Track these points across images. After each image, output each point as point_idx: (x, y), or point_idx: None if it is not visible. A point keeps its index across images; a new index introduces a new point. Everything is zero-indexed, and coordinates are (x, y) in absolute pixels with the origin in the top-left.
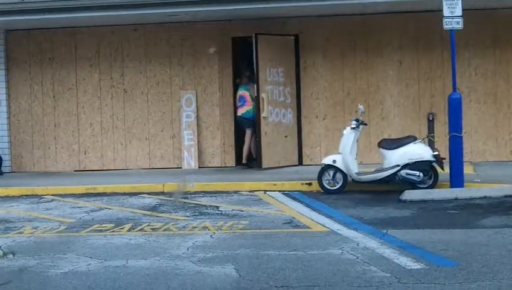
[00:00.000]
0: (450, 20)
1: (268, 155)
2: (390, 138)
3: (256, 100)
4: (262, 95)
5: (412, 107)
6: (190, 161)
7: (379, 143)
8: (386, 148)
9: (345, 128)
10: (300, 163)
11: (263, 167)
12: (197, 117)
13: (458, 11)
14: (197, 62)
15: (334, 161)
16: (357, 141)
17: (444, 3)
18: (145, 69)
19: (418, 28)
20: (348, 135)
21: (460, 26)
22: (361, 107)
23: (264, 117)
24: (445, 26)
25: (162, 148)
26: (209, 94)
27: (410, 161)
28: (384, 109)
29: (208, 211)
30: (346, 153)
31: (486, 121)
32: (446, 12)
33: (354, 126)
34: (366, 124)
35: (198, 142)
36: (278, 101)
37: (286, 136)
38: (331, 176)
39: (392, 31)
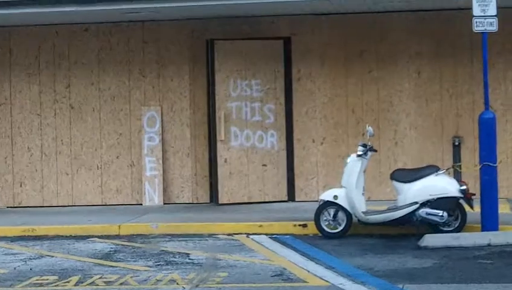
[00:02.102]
0: (482, 20)
1: (230, 188)
2: (406, 168)
3: (213, 119)
4: (219, 113)
5: (433, 129)
6: (153, 196)
7: (392, 174)
8: (400, 181)
9: (349, 155)
10: (291, 198)
11: (220, 202)
12: (162, 140)
13: (492, 10)
14: (162, 71)
15: (336, 197)
16: (364, 172)
17: (474, 0)
18: (97, 79)
19: (442, 30)
20: (353, 164)
21: (494, 28)
22: (369, 128)
23: (221, 140)
24: (476, 29)
25: (117, 180)
26: (177, 111)
27: (431, 197)
28: (398, 131)
29: (175, 259)
30: (351, 186)
31: None
32: (476, 11)
33: (361, 153)
34: (375, 151)
35: (163, 171)
36: (251, 121)
37: (265, 165)
38: (332, 215)
39: (408, 34)
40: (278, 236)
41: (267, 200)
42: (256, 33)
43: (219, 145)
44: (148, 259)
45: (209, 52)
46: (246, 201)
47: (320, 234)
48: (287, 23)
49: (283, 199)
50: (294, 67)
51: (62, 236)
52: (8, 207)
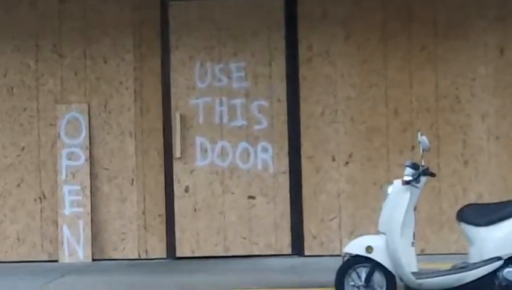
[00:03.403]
0: None
1: (195, 233)
2: (483, 203)
3: (163, 122)
4: (176, 115)
5: None
6: (76, 248)
7: (460, 213)
8: (473, 224)
9: (390, 182)
10: (297, 251)
11: (179, 255)
12: (91, 158)
13: None
14: (91, 47)
15: (370, 249)
16: (414, 209)
17: None
18: None
19: None
20: (398, 197)
21: None
22: (423, 139)
23: (177, 158)
24: None
25: (18, 222)
26: (114, 111)
27: None
28: (469, 144)
29: None
30: (394, 232)
31: None
32: None
33: (410, 178)
34: (433, 175)
35: (92, 208)
36: (229, 128)
37: (252, 197)
38: (364, 278)
39: None
40: None
41: (256, 253)
42: None
43: (176, 166)
44: None
45: (162, 18)
46: (222, 254)
47: None
48: None
49: (284, 252)
50: (303, 42)
51: None
52: None
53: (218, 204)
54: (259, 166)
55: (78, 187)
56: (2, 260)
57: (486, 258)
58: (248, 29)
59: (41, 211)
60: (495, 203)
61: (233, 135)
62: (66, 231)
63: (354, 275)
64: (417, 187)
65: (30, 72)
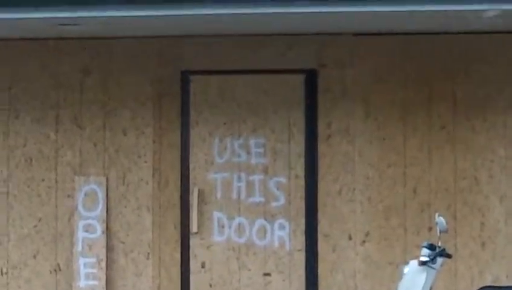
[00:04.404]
0: None
1: None
2: (499, 286)
3: (181, 197)
4: (193, 190)
5: None
6: None
7: None
8: None
9: (407, 262)
10: None
11: None
12: (107, 231)
13: None
14: (111, 119)
15: None
16: None
17: None
18: (4, 129)
19: None
20: (414, 277)
21: None
22: (441, 219)
23: (195, 233)
24: None
25: None
26: (132, 185)
27: None
28: (487, 226)
29: None
30: None
31: None
32: None
33: (427, 259)
34: (450, 256)
35: (107, 282)
36: (246, 204)
37: (268, 275)
38: None
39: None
40: None
41: None
42: (260, 63)
43: (192, 241)
44: None
45: (183, 93)
46: None
47: None
48: (313, 49)
49: None
50: (322, 119)
51: None
52: None
53: (234, 280)
54: (276, 243)
55: (94, 260)
56: None
57: None
58: (268, 105)
59: (56, 283)
60: (511, 286)
61: (251, 211)
62: None
63: None
64: (433, 268)
65: (49, 142)
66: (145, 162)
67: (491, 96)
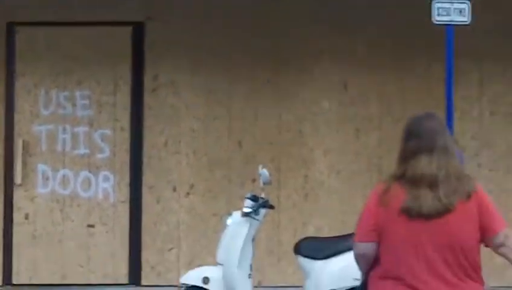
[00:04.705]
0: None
1: (32, 260)
2: (320, 237)
3: (5, 148)
4: (18, 142)
5: (366, 176)
6: None
7: (297, 246)
8: (310, 257)
9: (230, 213)
10: (135, 281)
11: (15, 282)
12: None
13: None
14: None
15: (206, 280)
16: (253, 241)
17: None
18: None
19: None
20: (236, 228)
21: (466, 19)
22: (264, 171)
23: (19, 185)
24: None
25: None
26: None
27: (357, 284)
28: (310, 178)
29: None
30: (232, 263)
31: None
32: None
33: (249, 210)
34: (272, 207)
35: None
36: (71, 155)
37: (92, 226)
38: None
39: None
40: None
41: (93, 282)
42: (87, 16)
43: (16, 193)
44: None
45: (8, 44)
46: (58, 282)
47: None
48: (140, 2)
49: (121, 282)
50: (149, 72)
51: None
52: None
53: (57, 232)
54: (100, 195)
55: None
56: None
57: None
58: (94, 57)
59: None
60: (332, 238)
61: (76, 163)
62: None
63: None
64: (256, 219)
65: None
66: None
67: (316, 46)
